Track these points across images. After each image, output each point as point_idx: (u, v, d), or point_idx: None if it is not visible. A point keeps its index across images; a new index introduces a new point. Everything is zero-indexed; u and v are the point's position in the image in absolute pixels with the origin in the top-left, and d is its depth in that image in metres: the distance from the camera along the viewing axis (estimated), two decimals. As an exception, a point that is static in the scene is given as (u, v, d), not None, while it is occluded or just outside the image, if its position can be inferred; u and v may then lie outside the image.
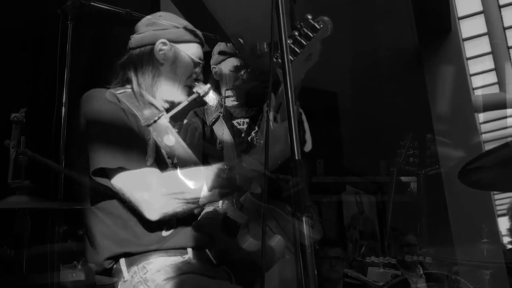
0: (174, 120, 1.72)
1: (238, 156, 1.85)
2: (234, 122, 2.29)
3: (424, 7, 3.99)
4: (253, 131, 2.23)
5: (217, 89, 2.35)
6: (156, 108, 1.65)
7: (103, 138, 1.48)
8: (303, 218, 1.05)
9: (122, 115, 1.52)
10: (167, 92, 1.68)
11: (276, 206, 1.83)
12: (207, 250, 1.53)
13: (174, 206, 1.43)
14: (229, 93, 2.27)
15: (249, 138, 2.17)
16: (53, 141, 1.91)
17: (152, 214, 1.42)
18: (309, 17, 1.35)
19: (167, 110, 1.69)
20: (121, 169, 1.43)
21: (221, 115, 2.28)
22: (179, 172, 1.51)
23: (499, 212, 5.13)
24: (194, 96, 1.72)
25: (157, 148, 1.55)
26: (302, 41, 1.35)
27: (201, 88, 1.72)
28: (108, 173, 1.45)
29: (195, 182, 1.46)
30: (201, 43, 1.78)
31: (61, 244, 2.03)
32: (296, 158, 1.06)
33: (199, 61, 1.72)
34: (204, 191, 1.46)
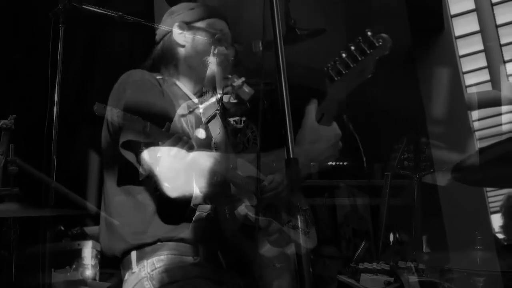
0: (208, 121, 1.72)
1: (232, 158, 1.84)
2: (231, 120, 2.25)
3: (416, 5, 4.00)
4: (250, 131, 2.20)
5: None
6: (191, 99, 1.65)
7: (140, 109, 1.44)
8: (298, 225, 1.04)
9: (161, 96, 1.51)
10: (197, 79, 1.68)
11: (273, 216, 1.80)
12: (218, 253, 1.51)
13: (199, 185, 1.40)
14: (238, 84, 2.23)
15: (246, 139, 2.15)
16: (45, 141, 1.90)
17: (172, 191, 1.39)
18: (369, 33, 1.31)
19: (202, 102, 1.68)
20: (151, 144, 1.38)
21: (218, 112, 2.24)
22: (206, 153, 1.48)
23: (492, 210, 5.16)
24: (228, 88, 1.71)
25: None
26: (357, 55, 1.31)
27: (234, 81, 1.71)
28: (135, 147, 1.41)
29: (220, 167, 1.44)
30: (220, 17, 1.77)
31: (55, 244, 2.02)
32: (291, 156, 1.06)
33: (216, 31, 1.70)
34: (196, 192, 1.44)
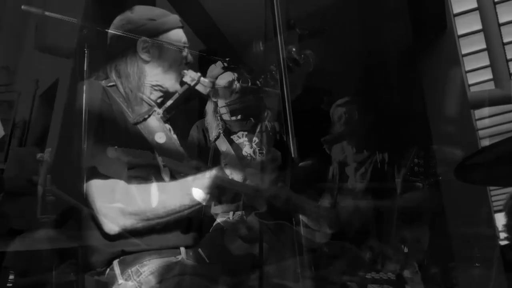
0: (168, 113, 1.68)
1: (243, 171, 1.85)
2: (233, 137, 2.28)
3: (419, 4, 3.99)
4: (254, 143, 2.21)
5: (216, 108, 2.34)
6: (148, 103, 1.62)
7: (87, 135, 1.44)
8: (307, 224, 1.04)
9: (109, 114, 1.50)
10: (158, 86, 1.65)
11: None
12: (199, 250, 1.53)
13: (132, 222, 1.41)
14: (223, 110, 2.27)
15: (251, 152, 2.17)
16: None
17: (109, 227, 1.40)
18: (293, 49, 1.31)
19: (161, 104, 1.65)
20: (95, 173, 1.39)
21: (221, 131, 2.28)
22: (152, 185, 1.47)
23: (495, 208, 5.14)
24: (184, 87, 1.69)
25: (146, 148, 1.52)
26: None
27: (190, 77, 1.69)
28: (86, 175, 1.42)
29: (164, 198, 1.43)
30: (180, 27, 1.74)
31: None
32: (293, 156, 1.07)
33: (184, 44, 1.69)
34: (200, 198, 1.43)
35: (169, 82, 1.66)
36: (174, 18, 1.71)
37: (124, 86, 1.59)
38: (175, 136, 1.65)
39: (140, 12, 1.69)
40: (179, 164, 1.57)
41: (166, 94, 1.67)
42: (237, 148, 2.21)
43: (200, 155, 2.06)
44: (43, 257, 1.89)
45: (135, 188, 1.44)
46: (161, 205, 1.41)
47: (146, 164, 1.50)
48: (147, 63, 1.64)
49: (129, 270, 1.44)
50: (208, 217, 1.61)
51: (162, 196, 1.42)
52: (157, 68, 1.65)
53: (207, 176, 1.42)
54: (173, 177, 1.53)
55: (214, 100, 2.28)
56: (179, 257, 1.50)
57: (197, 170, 1.53)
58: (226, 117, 2.28)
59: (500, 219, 3.97)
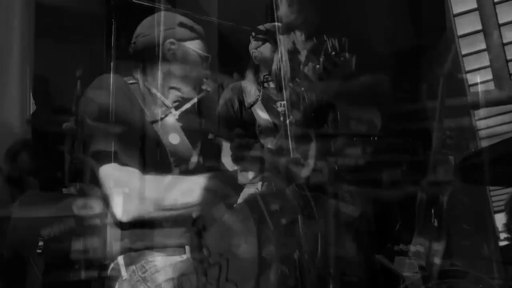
0: (183, 116, 1.73)
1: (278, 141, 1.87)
2: (274, 105, 2.29)
3: (419, 4, 3.99)
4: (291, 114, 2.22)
5: (256, 73, 2.37)
6: (165, 105, 1.66)
7: (106, 118, 1.47)
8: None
9: (129, 104, 1.53)
10: (178, 89, 1.70)
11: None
12: (204, 250, 1.53)
13: (147, 211, 1.43)
14: (267, 78, 2.28)
15: (287, 121, 2.17)
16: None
17: (123, 214, 1.42)
18: (333, 53, 1.33)
19: (177, 108, 1.70)
20: (110, 157, 1.41)
21: (259, 98, 2.29)
22: (167, 177, 1.50)
23: (495, 209, 5.14)
24: (203, 93, 1.75)
25: (160, 147, 1.56)
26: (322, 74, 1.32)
27: (210, 86, 1.75)
28: (100, 158, 1.44)
29: (179, 191, 1.46)
30: (203, 38, 1.80)
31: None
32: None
33: (207, 55, 1.75)
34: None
35: (188, 87, 1.72)
36: (199, 28, 1.78)
37: (145, 84, 1.65)
38: (187, 140, 1.69)
39: (169, 17, 1.76)
40: (189, 166, 1.60)
41: (183, 99, 1.72)
42: (277, 117, 2.21)
43: (230, 121, 2.04)
44: (70, 225, 1.90)
45: (153, 178, 1.47)
46: (179, 196, 1.44)
47: (157, 162, 1.52)
48: (171, 66, 1.70)
49: (134, 266, 1.46)
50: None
51: (181, 188, 1.45)
52: (179, 72, 1.70)
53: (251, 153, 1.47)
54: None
55: (257, 63, 2.29)
56: (184, 257, 1.51)
57: (208, 171, 1.55)
58: (268, 85, 2.29)
59: (500, 219, 3.97)
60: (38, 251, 1.91)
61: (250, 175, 1.58)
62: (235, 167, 1.65)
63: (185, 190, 1.45)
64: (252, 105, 2.32)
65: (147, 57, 1.72)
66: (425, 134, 2.66)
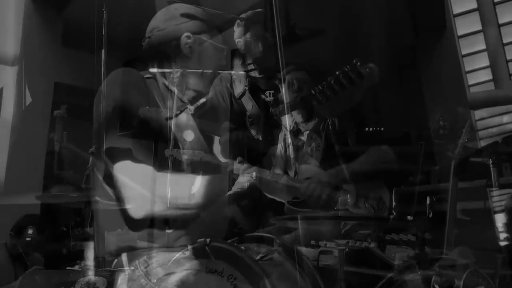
0: (198, 111, 1.72)
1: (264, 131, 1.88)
2: (262, 95, 2.27)
3: (419, 4, 3.99)
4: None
5: (244, 62, 2.35)
6: (181, 100, 1.65)
7: (122, 111, 1.46)
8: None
9: (145, 98, 1.53)
10: (195, 83, 1.69)
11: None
12: (206, 248, 1.53)
13: (160, 209, 1.43)
14: (252, 66, 2.26)
15: (277, 111, 2.15)
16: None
17: (137, 211, 1.42)
18: (358, 63, 1.34)
19: (192, 101, 1.68)
20: (127, 155, 1.41)
21: (247, 88, 2.28)
22: (179, 176, 1.51)
23: (495, 209, 5.14)
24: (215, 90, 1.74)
25: (174, 144, 1.55)
26: (345, 83, 1.33)
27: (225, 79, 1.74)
28: (115, 155, 1.44)
29: (193, 189, 1.47)
30: (219, 30, 1.78)
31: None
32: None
33: (223, 46, 1.73)
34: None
35: (203, 83, 1.71)
36: (212, 20, 1.75)
37: (162, 79, 1.63)
38: (202, 137, 1.68)
39: (183, 9, 1.73)
40: (200, 164, 1.60)
41: (198, 94, 1.71)
42: (265, 107, 2.20)
43: (222, 114, 2.04)
44: (61, 213, 1.91)
45: (167, 177, 1.47)
46: (193, 196, 1.44)
47: (171, 160, 1.52)
48: (189, 61, 1.68)
49: (137, 261, 1.46)
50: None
51: (195, 188, 1.45)
52: (195, 66, 1.68)
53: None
54: (194, 173, 1.56)
55: (243, 52, 2.28)
56: (186, 253, 1.51)
57: (223, 169, 1.56)
58: (254, 73, 2.27)
59: (500, 219, 3.96)
60: (27, 239, 1.92)
61: (243, 166, 1.59)
62: (227, 160, 1.64)
63: (198, 189, 1.45)
64: (241, 96, 2.30)
65: (163, 51, 1.69)
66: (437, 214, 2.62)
